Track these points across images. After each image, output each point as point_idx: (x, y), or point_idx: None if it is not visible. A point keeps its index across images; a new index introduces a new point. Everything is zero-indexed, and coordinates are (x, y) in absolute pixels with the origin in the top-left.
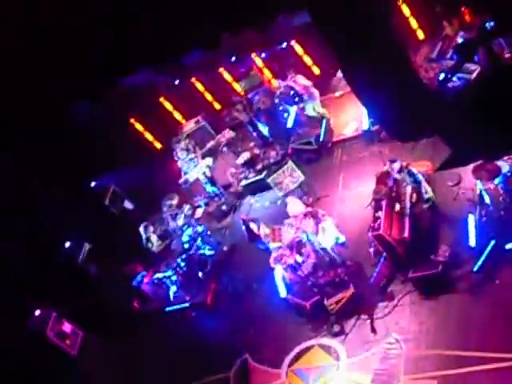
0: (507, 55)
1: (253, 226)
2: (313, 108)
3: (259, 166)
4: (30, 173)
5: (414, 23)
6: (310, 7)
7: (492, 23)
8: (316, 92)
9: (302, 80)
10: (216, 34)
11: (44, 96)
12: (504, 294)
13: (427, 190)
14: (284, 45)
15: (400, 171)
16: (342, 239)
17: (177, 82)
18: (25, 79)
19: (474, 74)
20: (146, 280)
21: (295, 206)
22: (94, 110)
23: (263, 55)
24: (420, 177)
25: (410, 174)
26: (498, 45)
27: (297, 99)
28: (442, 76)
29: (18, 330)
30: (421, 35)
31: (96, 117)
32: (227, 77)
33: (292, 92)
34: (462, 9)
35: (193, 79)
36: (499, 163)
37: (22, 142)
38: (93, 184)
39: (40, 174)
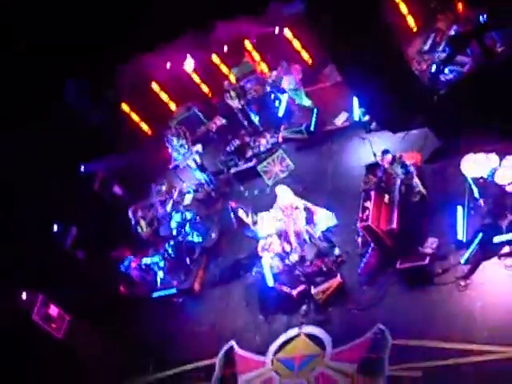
0: (499, 49)
1: (241, 213)
2: (304, 97)
3: (249, 154)
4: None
5: (407, 15)
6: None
7: (485, 16)
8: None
9: (294, 69)
10: (209, 19)
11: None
12: (491, 286)
13: (417, 183)
14: (276, 32)
15: (392, 162)
16: (333, 222)
17: (168, 66)
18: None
19: (467, 67)
20: (133, 265)
21: (285, 195)
22: (84, 94)
23: (256, 43)
24: (412, 169)
25: (403, 165)
26: (491, 38)
27: (287, 89)
28: (433, 68)
29: (5, 312)
30: (414, 27)
31: (87, 101)
32: (219, 64)
33: (282, 83)
34: (456, 1)
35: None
36: (489, 156)
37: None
38: (82, 168)
39: (30, 156)
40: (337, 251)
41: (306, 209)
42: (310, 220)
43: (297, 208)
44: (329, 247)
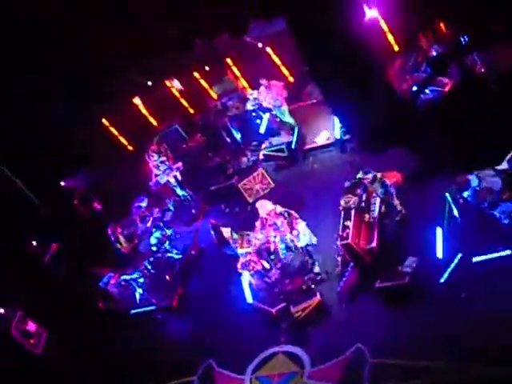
0: (480, 70)
1: (224, 230)
2: (283, 115)
3: (230, 171)
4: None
5: (389, 35)
6: (288, 16)
7: (466, 38)
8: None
9: (275, 86)
10: (190, 37)
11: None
12: (470, 306)
13: (397, 204)
14: (260, 46)
15: (373, 182)
16: (314, 240)
17: (150, 84)
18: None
19: (447, 88)
20: (112, 281)
21: (266, 205)
22: (68, 109)
23: (237, 60)
24: (392, 189)
25: (383, 185)
26: (472, 59)
27: (270, 106)
28: (414, 88)
29: None
30: (395, 46)
31: (69, 116)
32: (201, 81)
33: (263, 100)
34: (437, 22)
35: (167, 82)
36: (469, 176)
37: None
38: (62, 183)
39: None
40: (317, 269)
41: (289, 215)
42: (292, 228)
43: (280, 214)
44: (310, 262)
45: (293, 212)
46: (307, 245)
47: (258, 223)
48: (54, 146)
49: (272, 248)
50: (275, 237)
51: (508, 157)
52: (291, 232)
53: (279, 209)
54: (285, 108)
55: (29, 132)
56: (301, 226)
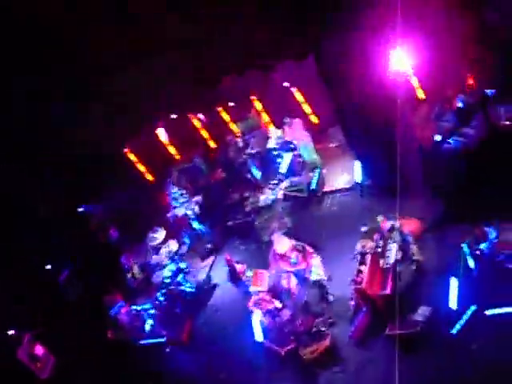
0: (506, 123)
1: (238, 266)
2: (309, 153)
3: (248, 209)
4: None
5: (415, 82)
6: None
7: (493, 91)
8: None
9: (298, 126)
10: (217, 74)
11: None
12: (480, 357)
13: (414, 252)
14: (287, 85)
15: (391, 228)
16: (326, 276)
17: (174, 116)
18: None
19: (470, 138)
20: (123, 310)
21: (281, 240)
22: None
23: (262, 99)
24: (410, 238)
25: (401, 232)
26: (496, 112)
27: (292, 146)
28: (438, 137)
29: None
30: (421, 94)
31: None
32: (225, 116)
33: (287, 139)
34: (465, 73)
35: (190, 115)
36: (486, 229)
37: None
38: (81, 209)
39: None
40: (331, 298)
41: (304, 248)
42: (306, 262)
43: (295, 248)
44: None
45: (307, 246)
46: (320, 280)
47: (270, 257)
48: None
49: (285, 284)
50: (288, 272)
51: None
52: (306, 265)
53: (294, 242)
54: (311, 146)
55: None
56: (315, 260)
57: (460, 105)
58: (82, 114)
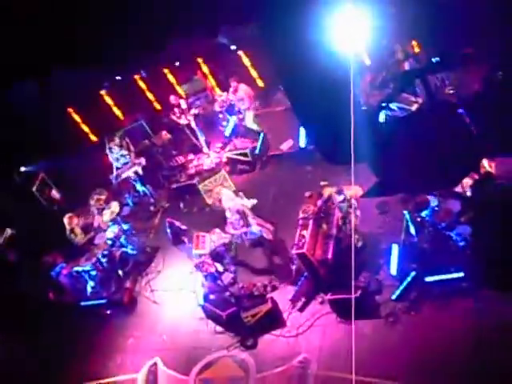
0: (449, 91)
1: (180, 229)
2: (252, 119)
3: (191, 171)
4: None
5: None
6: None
7: (437, 59)
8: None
9: (244, 89)
10: (163, 36)
11: None
12: (419, 325)
13: (356, 218)
14: (233, 48)
15: (334, 195)
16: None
17: (119, 78)
18: None
19: (414, 106)
20: (64, 272)
21: (230, 195)
22: (32, 95)
23: (208, 61)
24: (352, 204)
25: (344, 198)
26: (441, 80)
27: (237, 109)
28: (381, 103)
29: None
30: (367, 60)
31: (34, 103)
32: (171, 78)
33: (233, 102)
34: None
35: (136, 76)
36: (428, 197)
37: None
38: (22, 169)
39: None
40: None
41: (244, 213)
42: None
43: (237, 212)
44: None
45: (247, 210)
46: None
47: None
48: (15, 132)
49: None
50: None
51: (469, 180)
52: (246, 229)
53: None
54: (249, 114)
55: None
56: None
57: (406, 68)
58: None
